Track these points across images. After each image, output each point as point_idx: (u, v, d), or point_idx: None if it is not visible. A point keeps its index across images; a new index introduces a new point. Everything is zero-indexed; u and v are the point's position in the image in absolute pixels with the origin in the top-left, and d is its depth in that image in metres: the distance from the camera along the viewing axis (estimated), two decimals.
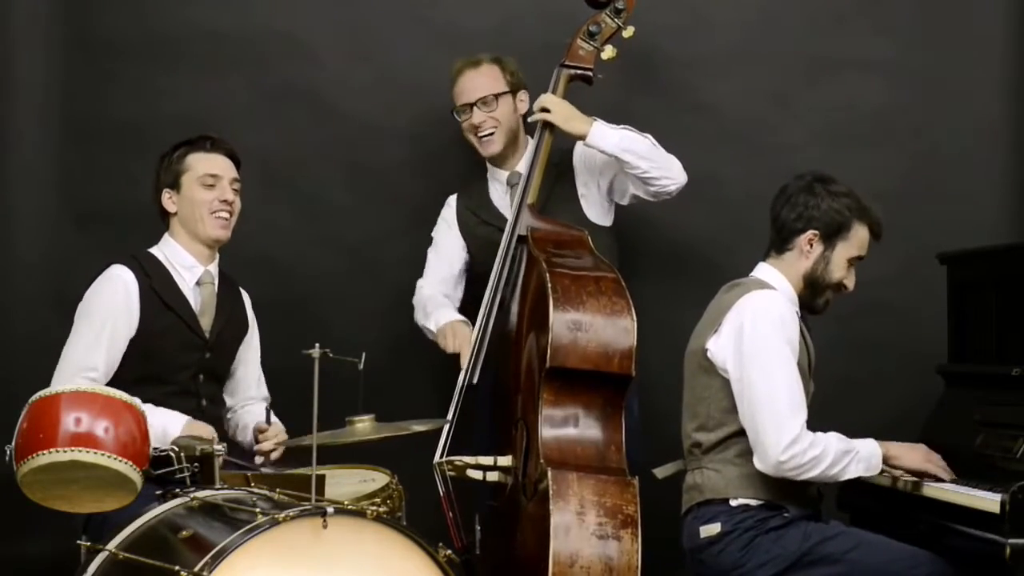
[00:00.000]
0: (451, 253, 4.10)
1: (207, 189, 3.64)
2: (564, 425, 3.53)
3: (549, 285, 3.53)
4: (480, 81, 3.99)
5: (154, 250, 3.69)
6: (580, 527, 3.36)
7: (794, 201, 3.39)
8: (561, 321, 3.50)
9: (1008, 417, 3.40)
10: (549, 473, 3.40)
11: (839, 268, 3.38)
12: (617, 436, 3.54)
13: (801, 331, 3.34)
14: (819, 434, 3.24)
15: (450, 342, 3.88)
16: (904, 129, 4.42)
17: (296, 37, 4.38)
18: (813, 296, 3.40)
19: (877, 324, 4.35)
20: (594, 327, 3.51)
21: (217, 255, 3.73)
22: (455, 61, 4.04)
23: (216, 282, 3.71)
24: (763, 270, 3.43)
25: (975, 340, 3.74)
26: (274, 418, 3.66)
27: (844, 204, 3.37)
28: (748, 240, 3.75)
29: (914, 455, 3.36)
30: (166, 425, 3.44)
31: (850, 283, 3.42)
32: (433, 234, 4.15)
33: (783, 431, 3.17)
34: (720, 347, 3.31)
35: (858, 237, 3.39)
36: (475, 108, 3.97)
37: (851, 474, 3.25)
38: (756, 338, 3.24)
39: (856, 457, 3.24)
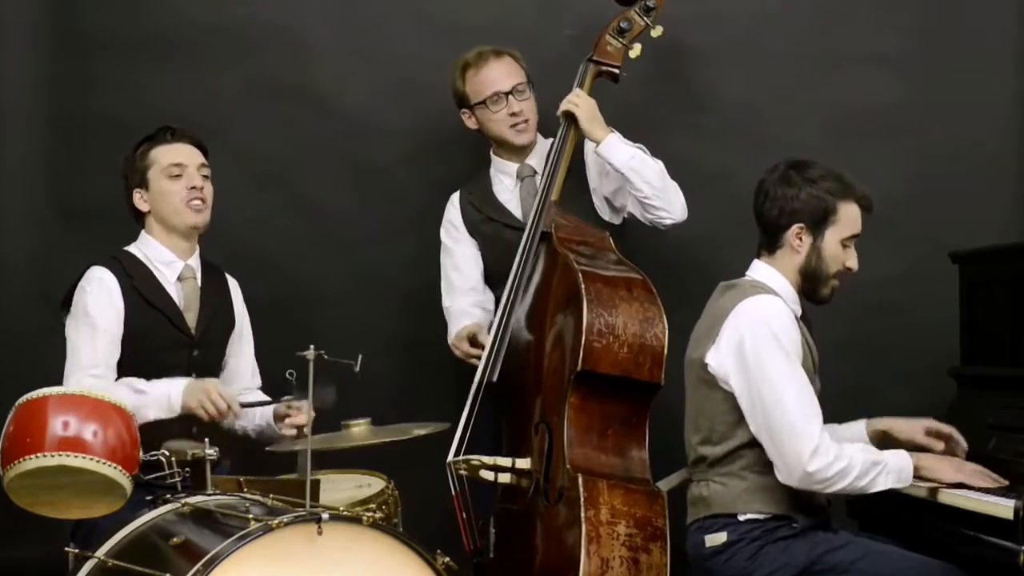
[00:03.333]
0: (467, 258, 4.05)
1: (174, 179, 3.61)
2: (590, 431, 3.51)
3: (583, 287, 3.51)
4: (509, 70, 3.96)
5: (132, 248, 3.66)
6: (611, 536, 3.35)
7: (773, 196, 3.32)
8: (595, 325, 3.48)
9: (1021, 421, 3.36)
10: (580, 479, 3.39)
11: (834, 255, 3.30)
12: (641, 446, 3.54)
13: (802, 332, 3.28)
14: (845, 445, 3.18)
15: (460, 343, 3.86)
16: (915, 126, 4.38)
17: (291, 31, 4.35)
18: (815, 288, 3.33)
19: (888, 325, 4.32)
20: (627, 332, 3.51)
21: (197, 247, 3.69)
22: (470, 52, 3.98)
23: (199, 275, 3.68)
24: (759, 269, 3.36)
25: (988, 342, 3.70)
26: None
27: (824, 188, 3.29)
28: (756, 238, 3.69)
29: (949, 470, 3.26)
30: (169, 395, 3.43)
31: (853, 263, 3.34)
32: (443, 238, 4.09)
33: (801, 441, 3.11)
34: (720, 361, 3.24)
35: (847, 217, 3.31)
36: (511, 97, 3.93)
37: (880, 486, 3.18)
38: (758, 352, 3.18)
39: (885, 469, 3.18)
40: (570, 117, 3.87)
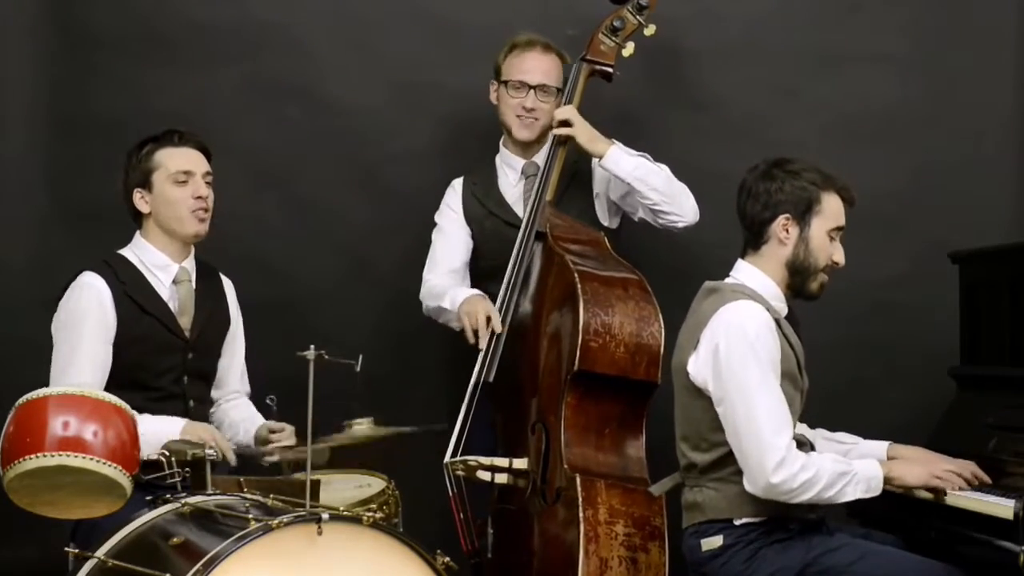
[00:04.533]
0: (458, 242, 4.03)
1: (180, 186, 3.56)
2: (587, 431, 3.51)
3: (579, 287, 3.50)
4: (547, 68, 3.95)
5: (125, 252, 3.61)
6: (609, 536, 3.35)
7: (755, 192, 3.30)
8: (591, 324, 3.47)
9: (1021, 421, 3.34)
10: (578, 479, 3.39)
11: (821, 246, 3.28)
12: (639, 445, 3.54)
13: (785, 334, 3.25)
14: (813, 455, 3.16)
15: (473, 313, 3.75)
16: (915, 126, 4.38)
17: (290, 30, 4.34)
18: (804, 282, 3.30)
19: (887, 325, 4.31)
20: (623, 332, 3.50)
21: (192, 249, 3.66)
22: (525, 34, 3.98)
23: (193, 278, 3.64)
24: (742, 269, 3.33)
25: (988, 341, 3.69)
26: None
27: (807, 179, 3.28)
28: None
29: (917, 471, 3.25)
30: (159, 432, 3.33)
31: (839, 257, 3.31)
32: (437, 219, 4.07)
33: (767, 453, 3.09)
34: (699, 368, 3.22)
35: (830, 207, 3.29)
36: (533, 92, 3.92)
37: (849, 497, 3.16)
38: (732, 359, 3.15)
39: (854, 479, 3.15)
40: (566, 139, 3.86)
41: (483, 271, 4.00)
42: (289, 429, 3.52)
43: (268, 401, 3.32)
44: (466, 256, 4.03)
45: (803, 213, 3.27)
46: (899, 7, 4.38)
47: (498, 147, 4.07)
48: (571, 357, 3.47)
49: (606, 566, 3.33)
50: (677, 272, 4.15)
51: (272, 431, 3.55)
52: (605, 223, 3.97)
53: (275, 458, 3.50)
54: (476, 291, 3.89)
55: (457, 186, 4.06)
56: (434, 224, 4.08)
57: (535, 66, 3.93)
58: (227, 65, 4.32)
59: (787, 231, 3.28)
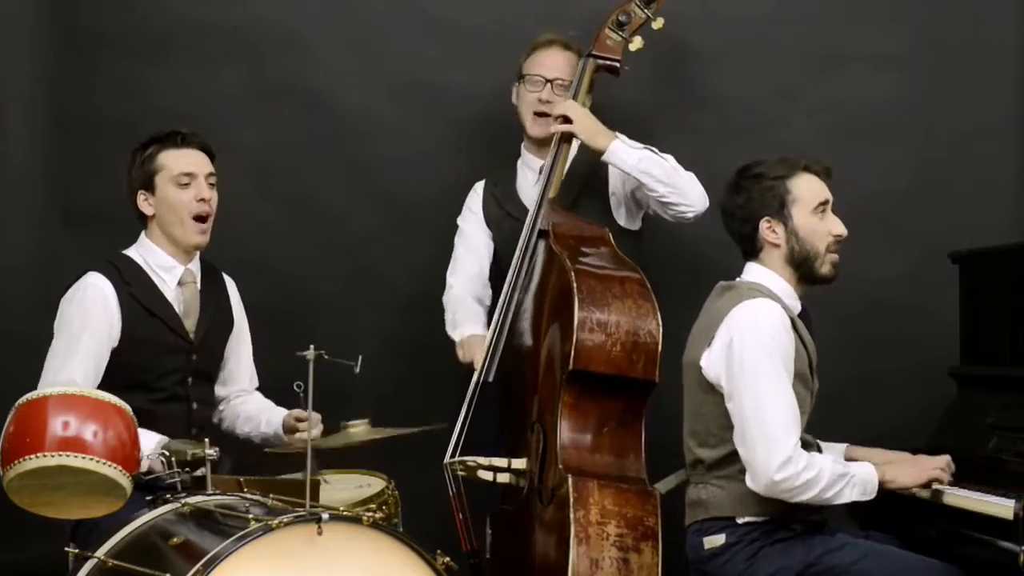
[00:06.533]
0: (479, 246, 4.03)
1: (183, 188, 3.54)
2: (583, 430, 3.48)
3: (574, 285, 3.48)
4: (563, 64, 3.95)
5: (131, 252, 3.60)
6: (600, 537, 3.33)
7: (731, 209, 3.33)
8: (586, 323, 3.45)
9: (1022, 421, 3.34)
10: (569, 480, 3.36)
11: (812, 230, 3.28)
12: (637, 444, 3.50)
13: (799, 333, 3.26)
14: (815, 455, 3.17)
15: (464, 353, 3.84)
16: (915, 125, 4.38)
17: (291, 29, 4.34)
18: (811, 268, 3.30)
19: (887, 324, 4.31)
20: (619, 330, 3.47)
21: (197, 251, 3.64)
22: (547, 33, 3.99)
23: (198, 280, 3.64)
24: (753, 270, 3.34)
25: (988, 341, 3.69)
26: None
27: (770, 177, 3.29)
28: None
29: (910, 472, 3.27)
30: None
31: (838, 229, 3.30)
32: (459, 222, 4.08)
33: (774, 451, 3.10)
34: (712, 363, 3.23)
35: (804, 189, 3.29)
36: (549, 85, 3.92)
37: (846, 499, 3.18)
38: (745, 355, 3.16)
39: (851, 481, 3.17)
40: (568, 135, 3.84)
41: (503, 272, 3.97)
42: (316, 417, 3.45)
43: (296, 387, 3.30)
44: (486, 261, 4.03)
45: (779, 209, 3.28)
46: (899, 7, 4.37)
47: (507, 148, 4.06)
48: (567, 356, 3.45)
49: (596, 567, 3.30)
50: (681, 271, 4.16)
51: (299, 419, 3.54)
52: (623, 223, 3.95)
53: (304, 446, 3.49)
54: (479, 332, 3.89)
55: (478, 189, 4.06)
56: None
57: (552, 62, 3.94)
58: (229, 65, 4.32)
59: (774, 232, 3.29)
